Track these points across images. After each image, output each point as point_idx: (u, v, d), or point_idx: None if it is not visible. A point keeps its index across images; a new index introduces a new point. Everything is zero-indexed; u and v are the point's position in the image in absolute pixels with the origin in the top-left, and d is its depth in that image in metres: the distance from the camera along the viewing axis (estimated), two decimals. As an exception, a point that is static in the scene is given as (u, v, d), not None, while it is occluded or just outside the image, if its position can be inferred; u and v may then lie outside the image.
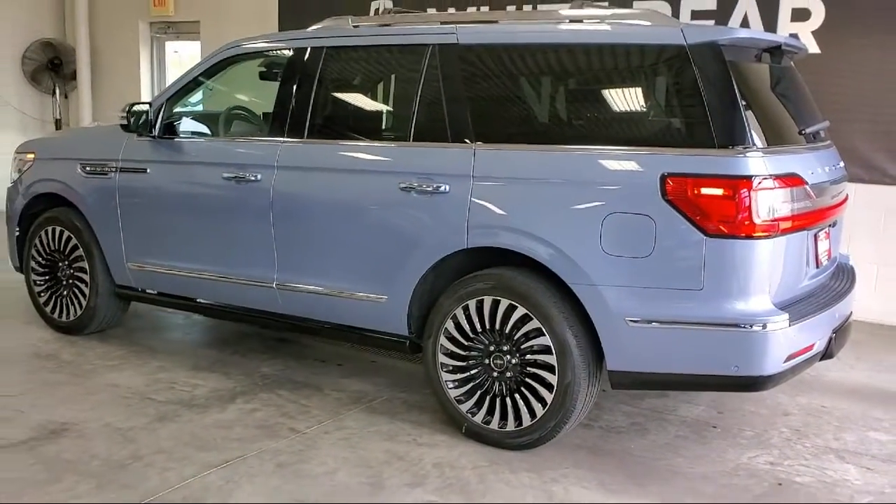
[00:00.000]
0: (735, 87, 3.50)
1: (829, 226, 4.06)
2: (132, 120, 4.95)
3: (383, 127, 4.61)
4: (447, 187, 3.98)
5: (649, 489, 3.63)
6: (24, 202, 5.66)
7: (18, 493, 3.42)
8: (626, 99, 3.85)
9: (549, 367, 3.77)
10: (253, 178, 4.56)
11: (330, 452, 3.89)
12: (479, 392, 3.98)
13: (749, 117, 3.51)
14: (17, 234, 5.73)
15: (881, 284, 6.29)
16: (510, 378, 3.89)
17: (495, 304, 3.88)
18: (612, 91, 3.86)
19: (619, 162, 3.62)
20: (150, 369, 4.98)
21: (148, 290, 5.25)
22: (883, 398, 4.86)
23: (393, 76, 4.59)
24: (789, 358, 3.52)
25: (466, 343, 4.00)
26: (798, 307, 3.62)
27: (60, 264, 5.54)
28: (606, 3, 4.20)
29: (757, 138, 3.50)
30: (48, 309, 5.63)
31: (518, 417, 3.88)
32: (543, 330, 3.75)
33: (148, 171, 5.01)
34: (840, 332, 3.94)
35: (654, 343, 3.58)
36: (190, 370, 4.98)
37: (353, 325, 4.43)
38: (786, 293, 3.61)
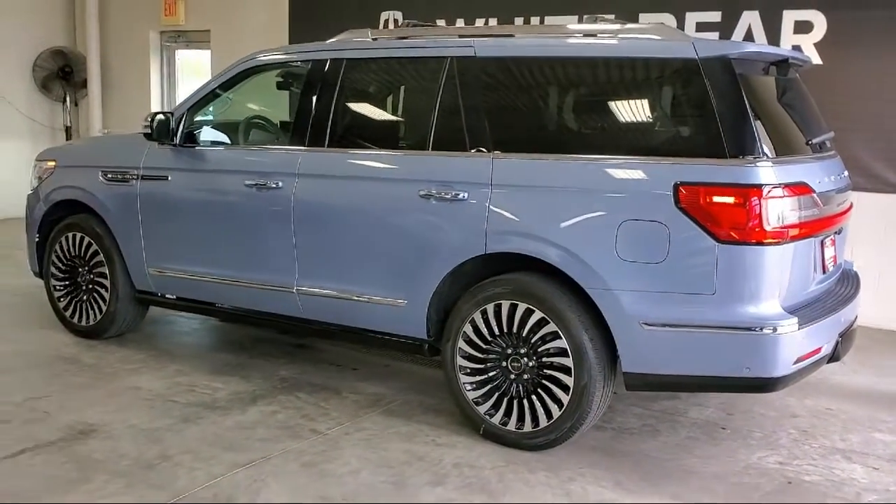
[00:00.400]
0: (745, 98, 3.63)
1: (835, 233, 4.19)
2: (155, 128, 5.06)
3: (402, 136, 4.74)
4: (465, 194, 4.10)
5: (664, 488, 3.75)
6: (44, 209, 5.77)
7: (54, 490, 3.53)
8: (639, 110, 3.99)
9: (566, 370, 3.89)
10: (274, 186, 4.68)
11: (352, 453, 4.00)
12: (496, 394, 4.10)
13: (759, 128, 3.64)
14: (37, 240, 5.84)
15: (882, 291, 6.41)
16: (527, 380, 4.01)
17: (513, 308, 4.00)
18: (626, 102, 4.00)
19: (634, 171, 3.75)
20: (169, 373, 5.09)
21: (167, 295, 5.36)
22: (887, 401, 4.99)
23: (411, 87, 4.72)
24: (798, 360, 3.64)
25: (484, 346, 4.12)
26: (806, 311, 3.75)
27: (80, 270, 5.65)
28: (613, 16, 4.31)
29: (766, 148, 3.63)
30: (67, 313, 5.74)
31: (535, 419, 3.99)
32: (560, 333, 3.87)
33: (169, 178, 5.13)
34: (846, 336, 4.07)
35: (667, 346, 3.70)
36: (209, 373, 5.09)
37: (372, 329, 4.55)
38: (794, 298, 3.74)
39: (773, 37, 6.65)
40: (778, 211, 3.54)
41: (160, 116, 5.07)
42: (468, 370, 4.17)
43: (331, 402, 4.67)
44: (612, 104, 4.02)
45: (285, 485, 3.65)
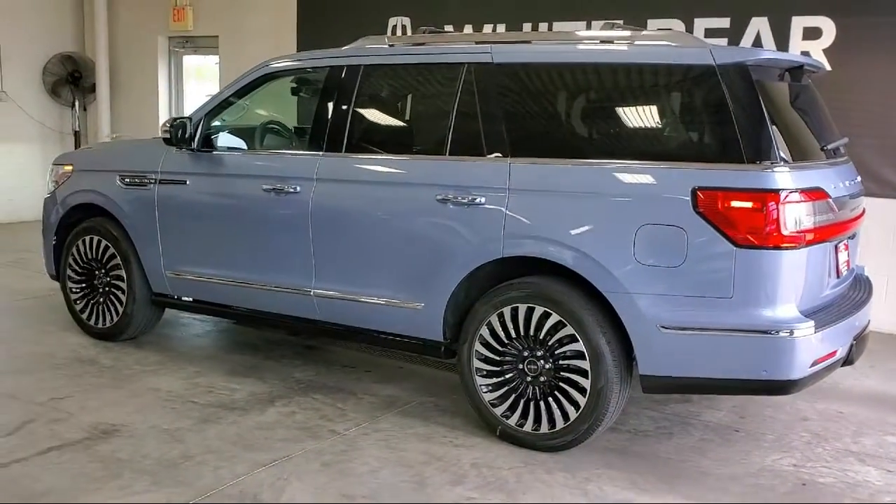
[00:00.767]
0: (762, 104, 3.69)
1: (849, 238, 4.24)
2: (175, 133, 5.12)
3: (419, 141, 4.79)
4: (483, 199, 4.16)
5: (680, 489, 3.80)
6: (61, 212, 5.83)
7: (82, 488, 3.59)
8: (656, 115, 4.05)
9: (583, 372, 3.94)
10: (292, 190, 4.74)
11: (371, 453, 4.05)
12: (513, 396, 4.15)
13: (775, 133, 3.70)
14: (54, 243, 5.90)
15: (891, 295, 6.47)
16: (544, 382, 4.06)
17: (530, 311, 4.06)
18: (644, 108, 4.06)
19: (652, 176, 3.81)
20: (187, 374, 5.14)
21: (184, 298, 5.42)
22: (897, 404, 5.05)
23: (428, 93, 4.78)
24: (814, 363, 3.70)
25: (501, 349, 4.17)
26: (822, 315, 3.80)
27: (97, 272, 5.71)
28: (621, 22, 4.38)
29: (783, 154, 3.69)
30: (84, 316, 5.80)
31: (551, 420, 4.05)
32: (577, 336, 3.93)
33: (188, 182, 5.19)
34: (859, 340, 4.12)
35: (685, 349, 3.76)
36: (226, 375, 5.15)
37: (389, 332, 4.60)
38: (810, 302, 3.79)
39: (782, 43, 6.72)
40: (795, 216, 3.60)
41: (179, 121, 5.13)
42: (484, 372, 4.22)
43: (347, 404, 4.72)
44: (629, 110, 4.08)
45: (308, 484, 3.70)
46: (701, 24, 7.08)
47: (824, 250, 3.88)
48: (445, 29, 7.84)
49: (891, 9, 6.35)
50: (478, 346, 4.22)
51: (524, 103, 4.27)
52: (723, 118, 3.74)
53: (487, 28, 8.01)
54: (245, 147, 5.35)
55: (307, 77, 5.36)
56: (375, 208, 4.54)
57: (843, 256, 4.15)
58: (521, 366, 4.12)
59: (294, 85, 5.78)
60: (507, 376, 4.17)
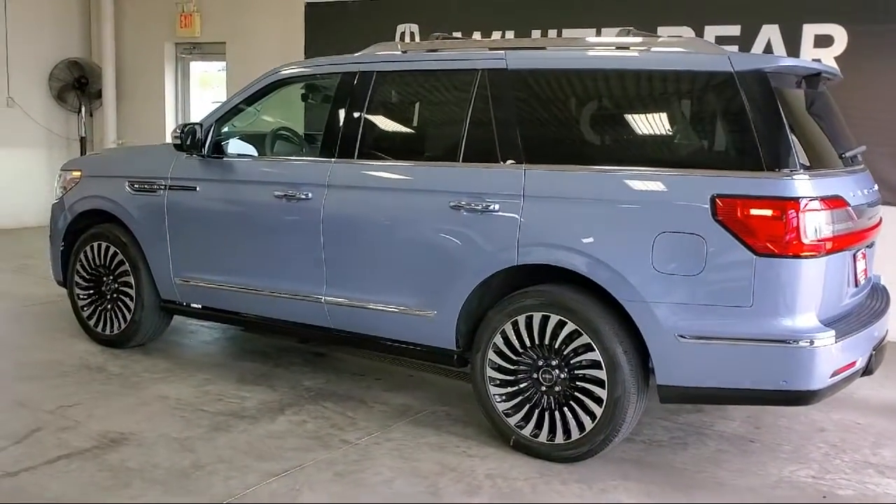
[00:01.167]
0: (781, 112, 3.65)
1: (867, 246, 4.20)
2: (185, 139, 5.09)
3: (432, 148, 4.75)
4: (497, 206, 4.12)
5: (697, 501, 3.74)
6: (69, 219, 5.79)
7: (91, 498, 3.55)
8: (674, 122, 4.01)
9: (599, 382, 3.89)
10: (304, 197, 4.70)
11: (384, 463, 4.01)
12: (527, 405, 4.10)
13: (794, 141, 3.66)
14: (62, 249, 5.86)
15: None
16: (559, 392, 4.01)
17: (545, 319, 4.01)
18: (661, 115, 4.02)
19: (670, 183, 3.76)
20: (196, 382, 5.10)
21: (193, 305, 5.38)
22: (914, 415, 4.99)
23: (442, 99, 4.75)
24: (835, 373, 3.65)
25: (515, 357, 4.13)
26: (842, 325, 3.75)
27: (105, 279, 5.67)
28: (631, 29, 4.34)
29: (802, 161, 3.65)
30: (92, 322, 5.75)
31: (567, 431, 4.00)
32: (593, 345, 3.88)
33: (198, 188, 5.15)
34: (878, 350, 4.07)
35: (703, 358, 3.71)
36: (235, 382, 5.10)
37: (400, 340, 4.56)
38: (829, 311, 3.74)
39: (793, 51, 6.68)
40: (815, 224, 3.56)
41: (190, 127, 5.09)
42: (498, 382, 4.18)
43: (358, 412, 4.68)
44: (646, 117, 4.05)
45: (321, 494, 3.65)
46: (711, 31, 7.05)
47: (843, 259, 3.84)
48: (453, 34, 7.82)
49: (904, 16, 6.32)
50: (491, 355, 4.17)
51: (539, 110, 4.24)
52: (741, 125, 3.70)
53: (496, 35, 7.98)
54: (256, 153, 5.32)
55: (319, 83, 5.33)
56: (387, 215, 4.50)
57: (860, 265, 4.10)
58: (535, 375, 4.07)
59: (304, 91, 5.76)
60: (522, 386, 4.12)
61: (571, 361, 3.97)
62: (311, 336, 5.16)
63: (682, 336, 3.71)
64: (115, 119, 11.09)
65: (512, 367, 4.13)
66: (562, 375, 4.00)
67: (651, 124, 4.05)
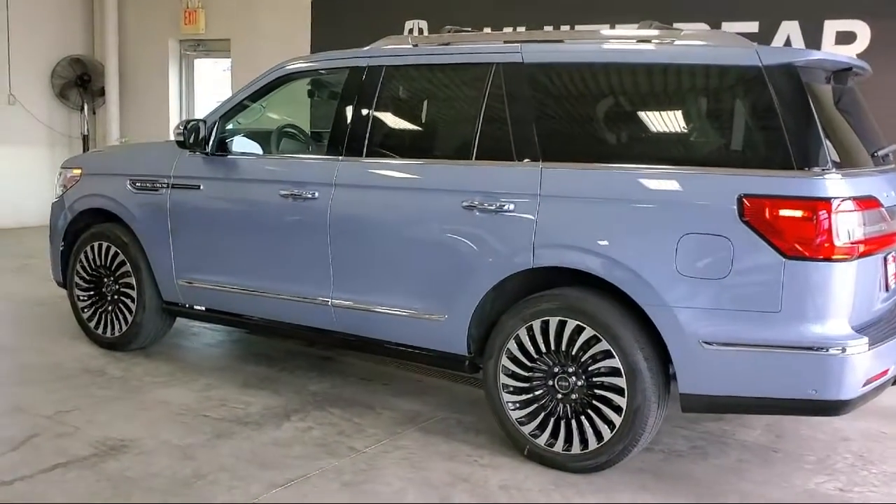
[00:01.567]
0: (812, 108, 3.49)
1: (898, 249, 4.02)
2: (189, 136, 4.93)
3: (444, 145, 4.59)
4: (512, 206, 3.96)
5: (722, 514, 3.59)
6: (69, 218, 5.65)
7: (88, 510, 3.39)
8: (699, 119, 3.85)
9: (618, 390, 3.73)
10: (310, 196, 4.54)
11: (393, 472, 3.85)
12: (542, 414, 3.94)
13: (825, 139, 3.49)
14: (62, 249, 5.71)
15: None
16: (576, 400, 3.85)
17: (561, 324, 3.85)
18: (685, 111, 3.86)
19: (694, 182, 3.60)
20: (199, 386, 4.94)
21: (196, 307, 5.22)
22: (940, 424, 4.81)
23: (454, 95, 4.58)
24: (867, 382, 3.48)
25: (530, 364, 3.96)
26: (874, 331, 3.58)
27: (106, 280, 5.52)
28: (653, 22, 4.17)
29: (834, 160, 3.48)
30: (92, 324, 5.60)
31: (584, 440, 3.83)
32: (613, 352, 3.72)
33: (201, 187, 5.00)
34: (911, 357, 3.89)
35: (729, 366, 3.54)
36: (239, 387, 4.95)
37: (410, 344, 4.40)
38: (861, 317, 3.57)
39: (814, 48, 6.50)
40: (847, 225, 3.39)
41: (193, 124, 4.94)
42: (512, 389, 4.01)
43: (365, 419, 4.52)
44: (669, 113, 3.89)
45: (328, 507, 3.50)
46: (728, 28, 6.86)
47: (875, 262, 3.66)
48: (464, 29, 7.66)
49: (928, 11, 6.15)
50: (505, 361, 4.01)
51: (556, 105, 4.08)
52: (770, 122, 3.54)
53: (507, 30, 7.81)
54: (261, 151, 5.16)
55: (326, 79, 5.18)
56: (397, 215, 4.34)
57: (892, 268, 3.92)
58: (551, 382, 3.91)
59: (311, 87, 5.60)
60: (537, 393, 3.95)
61: (589, 368, 3.81)
62: (318, 340, 5.00)
63: (706, 342, 3.54)
64: (117, 117, 10.96)
65: (527, 374, 3.97)
66: (579, 383, 3.84)
67: (674, 121, 3.88)
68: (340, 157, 4.54)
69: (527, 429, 3.96)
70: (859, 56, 6.29)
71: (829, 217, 3.35)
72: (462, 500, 3.59)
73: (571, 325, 3.82)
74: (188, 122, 4.96)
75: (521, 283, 4.05)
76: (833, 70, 3.89)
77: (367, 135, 4.50)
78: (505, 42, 4.29)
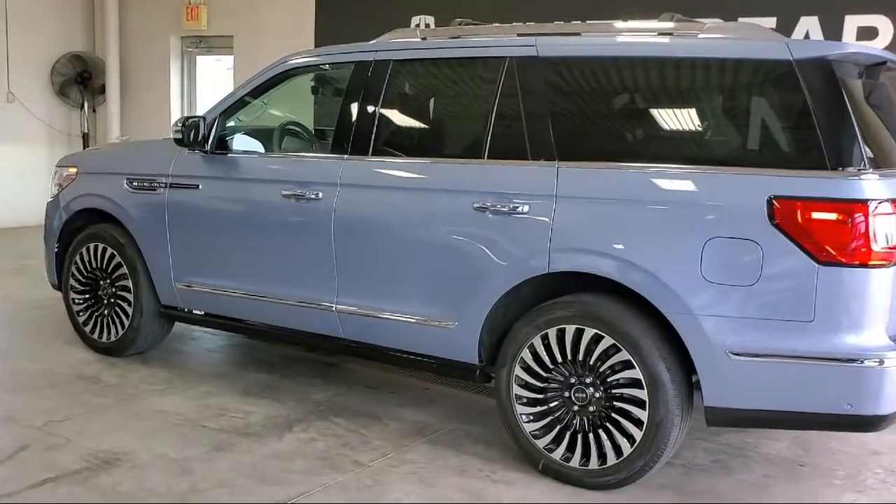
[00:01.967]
0: (847, 104, 3.28)
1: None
2: (187, 134, 4.73)
3: (454, 144, 4.39)
4: (526, 207, 3.76)
5: (749, 535, 3.38)
6: (64, 218, 5.45)
7: (76, 530, 3.19)
8: (726, 116, 3.64)
9: (639, 402, 3.52)
10: (314, 196, 4.35)
11: (400, 488, 3.65)
12: (558, 427, 3.74)
13: (861, 137, 3.28)
14: (56, 250, 5.52)
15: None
16: (593, 413, 3.65)
17: (578, 333, 3.64)
18: (711, 107, 3.66)
19: (721, 183, 3.39)
20: (197, 394, 4.74)
21: (195, 311, 5.03)
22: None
23: (465, 90, 4.38)
24: (906, 396, 3.26)
25: (544, 374, 3.76)
26: (912, 342, 3.37)
27: (102, 283, 5.33)
28: (675, 15, 3.97)
29: (870, 160, 3.27)
30: (88, 329, 5.41)
31: (602, 455, 3.63)
32: (633, 362, 3.51)
33: (200, 187, 4.80)
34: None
35: (757, 378, 3.33)
36: (239, 395, 4.75)
37: (418, 352, 4.20)
38: (896, 327, 3.37)
39: (834, 44, 6.29)
40: (885, 229, 3.18)
41: (192, 121, 4.74)
42: (525, 400, 3.81)
43: (371, 430, 4.31)
44: (693, 109, 3.68)
45: (331, 527, 3.30)
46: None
47: (913, 268, 3.45)
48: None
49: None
50: (518, 371, 3.81)
51: (573, 102, 3.88)
52: (802, 119, 3.33)
53: (516, 24, 7.61)
54: (262, 150, 4.96)
55: (330, 74, 4.98)
56: (405, 217, 4.14)
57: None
58: (567, 394, 3.71)
59: (314, 83, 5.40)
60: (552, 405, 3.75)
61: (608, 379, 3.60)
62: (322, 346, 4.80)
63: (733, 353, 3.34)
64: (118, 115, 10.77)
65: (541, 385, 3.76)
66: (597, 394, 3.63)
67: (698, 118, 3.68)
68: (345, 156, 4.34)
69: (541, 442, 3.76)
70: (882, 52, 6.09)
71: (866, 220, 3.14)
72: (474, 520, 3.40)
73: (589, 333, 3.61)
74: (187, 119, 4.77)
75: (535, 289, 3.85)
76: (866, 64, 3.68)
77: (373, 132, 4.30)
78: (518, 35, 4.08)
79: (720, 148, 3.61)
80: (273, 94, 4.95)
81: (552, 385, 3.74)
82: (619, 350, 3.55)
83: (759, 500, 3.69)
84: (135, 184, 5.07)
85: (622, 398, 3.57)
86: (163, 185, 4.94)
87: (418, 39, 4.40)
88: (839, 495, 3.78)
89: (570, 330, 3.66)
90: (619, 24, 4.15)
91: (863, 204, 3.15)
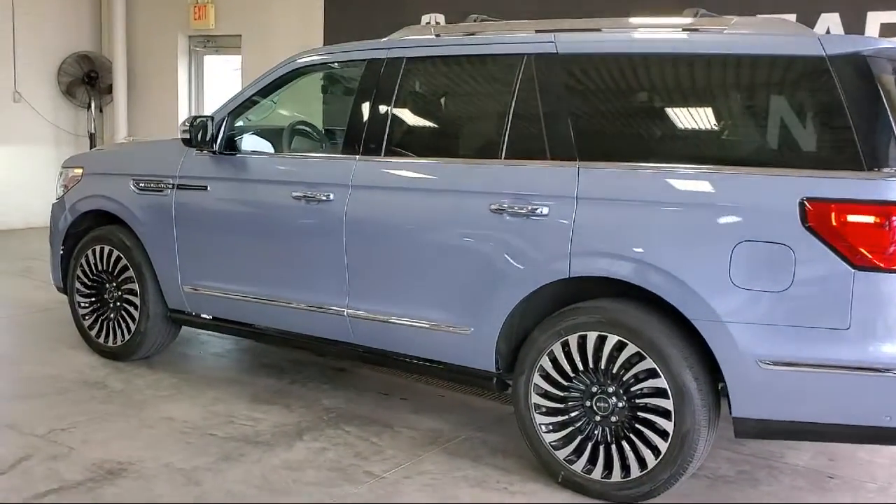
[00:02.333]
0: (884, 102, 3.13)
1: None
2: (195, 134, 4.60)
3: (469, 144, 4.25)
4: (546, 209, 3.62)
5: (781, 552, 3.24)
6: (70, 219, 5.34)
7: (79, 545, 3.07)
8: (755, 114, 3.49)
9: (664, 413, 3.39)
10: (325, 198, 4.22)
11: (417, 500, 3.52)
12: (578, 437, 3.60)
13: (897, 136, 3.14)
14: (62, 252, 5.40)
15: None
16: (616, 423, 3.51)
17: (601, 340, 3.51)
18: (739, 106, 3.51)
19: (750, 184, 3.25)
20: (205, 400, 4.62)
21: (203, 315, 4.90)
22: None
23: (481, 89, 4.24)
24: (947, 408, 3.12)
25: (565, 383, 3.62)
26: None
27: (108, 286, 5.21)
28: (700, 10, 3.83)
29: (908, 160, 3.13)
30: (93, 333, 5.30)
31: (625, 467, 3.49)
32: (658, 371, 3.37)
33: (209, 188, 4.68)
34: None
35: (789, 388, 3.19)
36: (248, 402, 4.62)
37: (433, 359, 4.07)
38: (937, 335, 3.21)
39: (856, 42, 6.14)
40: (925, 233, 3.03)
41: (200, 121, 4.61)
42: (545, 410, 3.67)
43: (384, 438, 4.18)
44: (721, 107, 3.54)
45: (345, 542, 3.17)
46: (763, 20, 6.51)
47: (952, 274, 3.30)
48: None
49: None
50: (537, 379, 3.67)
51: (594, 100, 3.74)
52: (836, 118, 3.19)
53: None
54: (272, 150, 4.84)
55: (341, 72, 4.85)
56: (419, 219, 4.01)
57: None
58: (588, 403, 3.57)
59: (324, 82, 5.28)
60: (573, 415, 3.61)
61: (631, 388, 3.46)
62: (332, 352, 4.67)
63: (763, 362, 3.20)
64: (125, 115, 10.66)
65: (561, 394, 3.63)
66: (619, 404, 3.49)
67: (726, 116, 3.54)
68: (357, 157, 4.22)
69: (561, 453, 3.63)
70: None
71: (905, 223, 3.00)
72: (492, 535, 3.26)
73: (612, 340, 3.47)
74: (195, 118, 4.64)
75: (554, 294, 3.72)
76: (901, 60, 3.53)
77: (386, 132, 4.17)
78: (537, 31, 3.95)
79: (748, 148, 3.46)
80: (283, 94, 4.82)
81: (573, 394, 3.61)
82: (643, 358, 3.41)
83: (789, 514, 3.55)
84: (141, 185, 4.95)
85: (646, 408, 3.43)
86: (170, 187, 4.82)
87: (432, 36, 4.27)
88: (871, 509, 3.64)
89: (593, 337, 3.52)
90: (639, 20, 4.00)
91: (901, 206, 3.01)
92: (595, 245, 3.51)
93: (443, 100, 4.39)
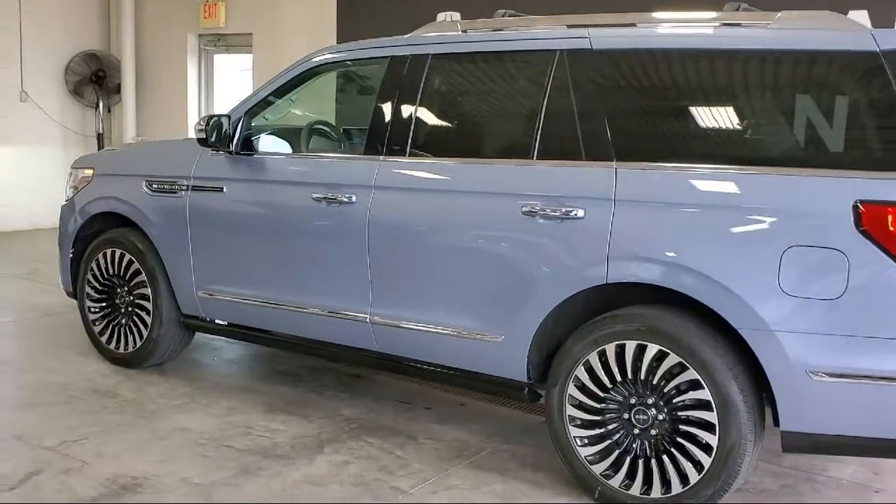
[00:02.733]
0: (944, 99, 2.97)
1: None
2: (211, 134, 4.44)
3: (499, 143, 4.09)
4: (581, 212, 3.46)
5: (833, 575, 3.07)
6: (80, 222, 5.18)
7: (95, 568, 2.91)
8: (803, 113, 3.32)
9: (708, 426, 3.22)
10: (347, 200, 4.06)
11: (445, 518, 3.36)
12: (616, 451, 3.43)
13: (958, 136, 2.97)
14: (71, 256, 5.25)
15: None
16: (656, 436, 3.34)
17: (640, 349, 3.34)
18: (786, 104, 3.33)
19: (800, 186, 3.08)
20: (220, 410, 4.46)
21: (217, 321, 4.75)
22: None
23: (511, 86, 4.07)
24: None
25: (602, 394, 3.46)
26: None
27: (119, 290, 5.05)
28: (742, 4, 3.67)
29: (969, 160, 2.96)
30: (104, 339, 5.14)
31: (666, 483, 3.32)
32: (702, 382, 3.20)
33: (224, 189, 4.52)
34: None
35: (843, 402, 3.02)
36: (265, 411, 4.47)
37: (459, 367, 3.91)
38: None
39: (887, 39, 5.96)
40: None
41: (216, 120, 4.46)
42: (580, 422, 3.51)
43: (408, 451, 4.02)
44: (767, 106, 3.37)
45: (374, 564, 3.00)
46: (789, 17, 6.33)
47: None
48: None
49: None
50: (572, 390, 3.51)
51: (632, 98, 3.57)
52: (891, 116, 3.03)
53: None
54: (290, 150, 4.68)
55: (361, 70, 4.69)
56: (445, 222, 3.84)
57: None
58: (626, 415, 3.40)
59: (342, 80, 5.12)
60: (610, 427, 3.45)
61: (673, 400, 3.30)
62: (353, 360, 4.51)
63: (814, 373, 3.03)
64: (134, 115, 10.52)
65: (598, 406, 3.46)
66: (660, 417, 3.33)
67: (772, 116, 3.37)
68: (380, 157, 4.05)
69: (598, 468, 3.46)
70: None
71: (968, 227, 2.83)
72: (528, 556, 3.10)
73: (652, 349, 3.31)
74: (210, 117, 4.48)
75: (589, 301, 3.55)
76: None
77: (411, 132, 4.01)
78: (569, 27, 3.78)
79: (797, 148, 3.30)
80: (301, 92, 4.66)
81: (610, 406, 3.44)
82: (685, 368, 3.24)
83: (836, 532, 3.38)
84: (154, 186, 4.80)
85: (688, 421, 3.26)
86: (184, 188, 4.66)
87: (459, 32, 4.10)
88: (922, 527, 3.47)
89: (631, 346, 3.36)
90: (676, 14, 3.83)
91: (963, 209, 2.84)
92: (635, 250, 3.34)
93: (470, 98, 4.22)
